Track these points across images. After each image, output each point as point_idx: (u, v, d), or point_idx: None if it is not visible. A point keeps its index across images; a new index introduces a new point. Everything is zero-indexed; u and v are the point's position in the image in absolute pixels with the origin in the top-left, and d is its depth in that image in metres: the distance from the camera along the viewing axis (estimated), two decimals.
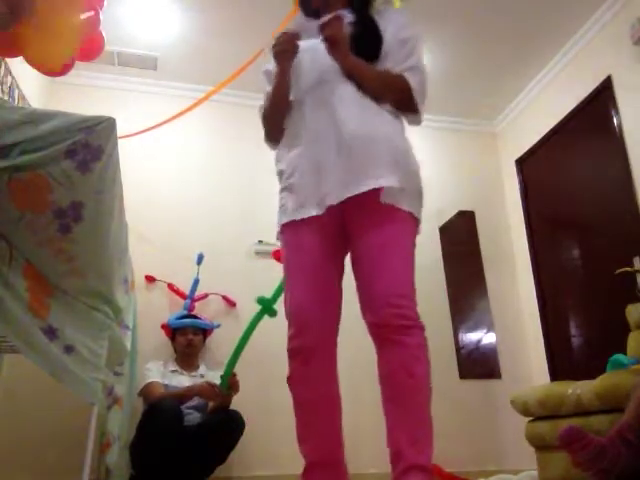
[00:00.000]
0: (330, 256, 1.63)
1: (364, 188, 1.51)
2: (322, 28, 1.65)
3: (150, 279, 3.72)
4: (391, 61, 1.68)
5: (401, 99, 1.66)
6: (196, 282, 3.64)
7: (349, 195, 1.52)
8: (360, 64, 1.65)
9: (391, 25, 1.73)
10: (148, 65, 4.14)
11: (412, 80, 1.66)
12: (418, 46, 1.74)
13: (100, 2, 2.60)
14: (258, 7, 3.61)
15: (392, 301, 1.48)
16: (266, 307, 2.90)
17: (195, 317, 3.45)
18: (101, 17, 2.58)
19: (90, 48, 2.72)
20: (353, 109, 1.61)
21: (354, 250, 1.61)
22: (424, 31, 3.86)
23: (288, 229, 1.65)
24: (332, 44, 1.63)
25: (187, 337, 3.32)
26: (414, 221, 1.60)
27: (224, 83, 3.52)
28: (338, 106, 1.61)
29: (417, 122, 1.75)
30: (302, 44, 1.72)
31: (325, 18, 1.69)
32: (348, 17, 1.73)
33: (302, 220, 1.58)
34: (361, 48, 1.66)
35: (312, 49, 1.70)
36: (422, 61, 1.73)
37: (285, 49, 1.69)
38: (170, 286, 3.72)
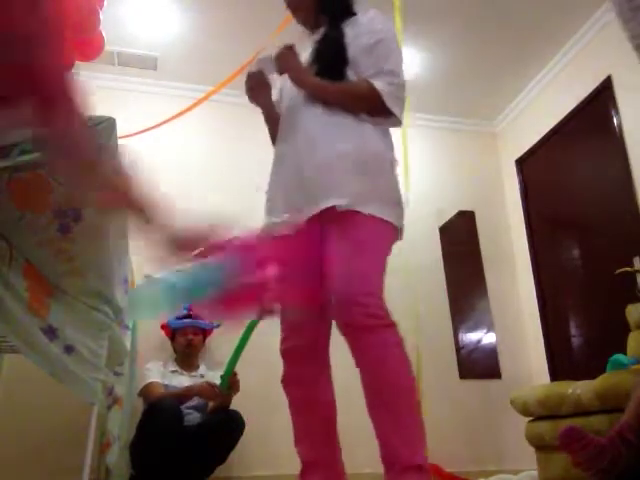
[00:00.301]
0: (316, 261, 1.64)
1: (320, 207, 1.56)
2: (276, 61, 1.72)
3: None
4: (362, 68, 1.68)
5: (372, 106, 1.65)
6: None
7: (309, 215, 1.58)
8: (320, 86, 1.67)
9: (362, 31, 1.72)
10: (148, 65, 4.14)
11: (380, 85, 1.63)
12: (388, 49, 1.70)
13: (100, 2, 2.60)
14: (257, 7, 3.61)
15: (360, 300, 1.48)
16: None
17: (195, 317, 3.45)
18: (101, 17, 2.58)
19: (90, 48, 2.72)
20: (317, 132, 1.65)
21: (324, 255, 1.62)
22: (424, 31, 3.88)
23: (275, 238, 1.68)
24: (289, 75, 1.70)
25: (187, 337, 3.31)
26: (386, 226, 1.60)
27: (224, 83, 3.52)
28: (303, 130, 1.67)
29: (397, 124, 1.72)
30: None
31: (277, 51, 1.74)
32: (320, 32, 1.79)
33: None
34: (324, 66, 1.70)
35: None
36: (395, 63, 1.70)
37: (250, 88, 1.83)
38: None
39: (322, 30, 1.79)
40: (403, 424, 1.43)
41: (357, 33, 1.72)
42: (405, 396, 1.46)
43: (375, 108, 1.65)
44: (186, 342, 3.30)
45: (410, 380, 1.49)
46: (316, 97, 1.68)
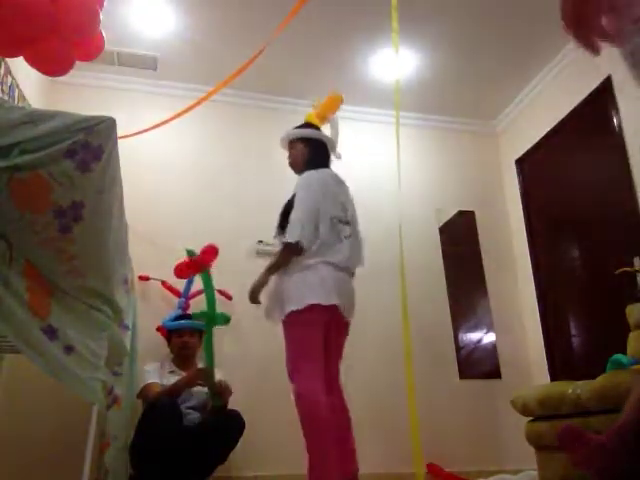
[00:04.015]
0: None
1: None
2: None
3: (144, 278, 3.70)
4: None
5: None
6: (190, 282, 3.62)
7: None
8: (268, 271, 2.61)
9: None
10: (148, 65, 4.14)
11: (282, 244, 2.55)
12: (295, 206, 2.57)
13: (100, 2, 2.60)
14: (258, 7, 3.61)
15: None
16: (210, 319, 2.84)
17: (191, 317, 3.43)
18: (101, 17, 2.58)
19: (90, 48, 2.72)
20: None
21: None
22: (424, 31, 3.88)
23: None
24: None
25: (183, 339, 3.29)
26: None
27: (224, 83, 3.52)
28: None
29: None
30: None
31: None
32: None
33: None
34: (279, 224, 2.67)
35: None
36: (293, 212, 2.55)
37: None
38: (164, 283, 3.69)
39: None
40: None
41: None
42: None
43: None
44: (182, 344, 3.29)
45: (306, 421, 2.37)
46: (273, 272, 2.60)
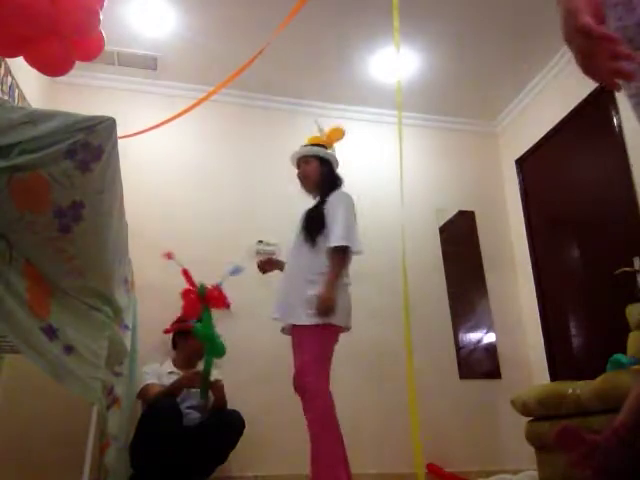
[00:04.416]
0: None
1: None
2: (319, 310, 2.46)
3: (169, 256, 3.48)
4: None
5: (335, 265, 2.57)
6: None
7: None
8: (333, 276, 2.50)
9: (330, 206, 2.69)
10: (148, 65, 4.14)
11: (331, 246, 2.55)
12: (338, 212, 2.61)
13: (100, 2, 2.60)
14: (258, 7, 3.61)
15: None
16: (210, 343, 2.92)
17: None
18: (101, 17, 2.58)
19: (90, 48, 2.72)
20: None
21: None
22: (424, 31, 3.88)
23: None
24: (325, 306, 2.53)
25: (193, 344, 3.25)
26: None
27: (224, 83, 3.52)
28: None
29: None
30: None
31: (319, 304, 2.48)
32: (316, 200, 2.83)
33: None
34: (309, 228, 2.66)
35: None
36: (341, 216, 2.59)
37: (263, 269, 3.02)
38: (185, 272, 3.52)
39: (317, 200, 2.78)
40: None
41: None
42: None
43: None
44: (191, 349, 3.26)
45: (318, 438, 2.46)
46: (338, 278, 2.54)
